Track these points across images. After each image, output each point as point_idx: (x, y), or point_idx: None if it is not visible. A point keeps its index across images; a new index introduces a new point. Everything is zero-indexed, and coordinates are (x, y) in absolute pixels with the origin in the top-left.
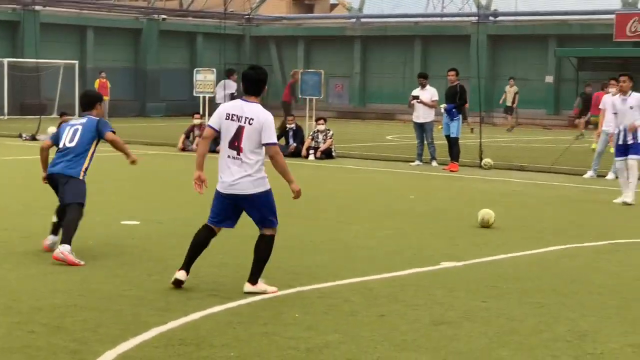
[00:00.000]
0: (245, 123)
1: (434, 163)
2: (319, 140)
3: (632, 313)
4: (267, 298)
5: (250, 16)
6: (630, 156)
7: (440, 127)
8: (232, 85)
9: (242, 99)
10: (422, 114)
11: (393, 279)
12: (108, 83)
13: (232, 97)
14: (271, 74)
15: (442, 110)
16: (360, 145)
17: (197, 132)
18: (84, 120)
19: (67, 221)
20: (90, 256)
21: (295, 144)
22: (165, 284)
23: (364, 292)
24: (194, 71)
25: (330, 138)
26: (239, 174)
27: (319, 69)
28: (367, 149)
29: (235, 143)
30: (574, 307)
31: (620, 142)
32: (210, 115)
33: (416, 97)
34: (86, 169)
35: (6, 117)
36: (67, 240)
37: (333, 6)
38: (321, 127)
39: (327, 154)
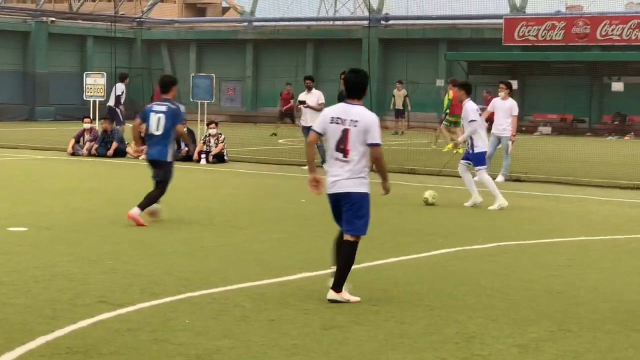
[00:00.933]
0: (350, 126)
1: (325, 166)
2: (210, 145)
3: (519, 314)
4: (156, 304)
5: (142, 19)
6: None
7: None
8: (119, 88)
9: (346, 102)
10: (309, 118)
11: (284, 283)
12: None
13: (117, 99)
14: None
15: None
16: (253, 149)
17: (87, 136)
18: (164, 108)
19: (152, 193)
20: None
21: (187, 148)
22: (52, 292)
23: (254, 296)
24: (84, 75)
25: (222, 142)
26: (343, 175)
27: (211, 72)
28: (259, 152)
29: (342, 146)
30: (463, 309)
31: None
32: (100, 119)
33: (303, 102)
34: (172, 151)
35: None
36: (142, 207)
37: (225, 10)
38: (212, 131)
39: (219, 158)
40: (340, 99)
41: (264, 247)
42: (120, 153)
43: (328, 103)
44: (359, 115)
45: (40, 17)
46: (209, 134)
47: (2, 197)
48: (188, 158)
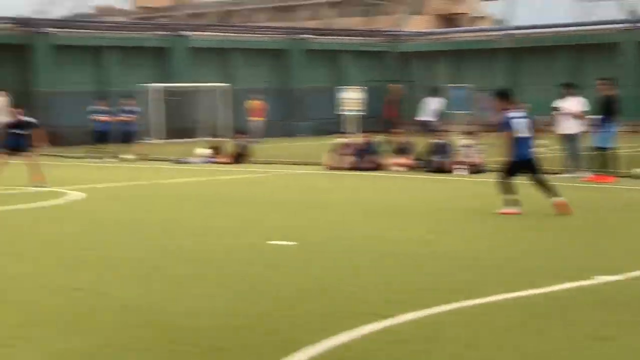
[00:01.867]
0: None
1: (580, 174)
2: (468, 155)
3: None
4: (425, 315)
5: (395, 32)
6: None
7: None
8: (435, 102)
9: None
10: (567, 125)
11: (552, 293)
12: (263, 104)
13: (433, 113)
14: (415, 89)
15: (590, 122)
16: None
17: (344, 150)
18: (521, 113)
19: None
20: (246, 277)
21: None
22: (320, 305)
23: (522, 307)
24: (338, 89)
25: (479, 152)
26: None
27: (466, 83)
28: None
29: None
30: None
31: None
32: (358, 133)
33: (557, 109)
34: None
35: (160, 141)
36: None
37: (474, 19)
38: (468, 142)
39: (477, 169)
40: (598, 107)
41: (525, 257)
42: (379, 166)
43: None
44: None
45: (296, 35)
46: (465, 145)
47: (266, 211)
48: (440, 169)
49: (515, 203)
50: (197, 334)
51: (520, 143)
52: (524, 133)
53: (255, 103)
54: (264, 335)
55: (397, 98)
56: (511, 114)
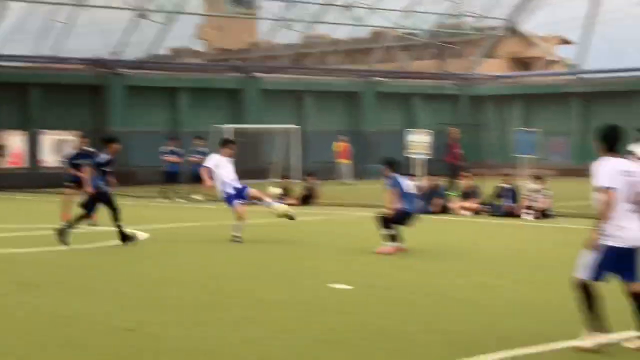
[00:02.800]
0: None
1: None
2: (536, 199)
3: None
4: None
5: (467, 75)
6: None
7: None
8: None
9: (615, 156)
10: None
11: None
12: (349, 146)
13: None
14: (487, 132)
15: None
16: (580, 203)
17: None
18: None
19: None
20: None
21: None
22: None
23: (572, 357)
24: (406, 132)
25: (548, 197)
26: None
27: (538, 127)
28: (586, 207)
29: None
30: None
31: None
32: (422, 175)
33: (632, 153)
34: None
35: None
36: None
37: (550, 63)
38: (537, 186)
39: (545, 214)
40: None
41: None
42: (444, 209)
43: None
44: None
45: (369, 77)
46: (534, 189)
47: (325, 252)
48: (511, 214)
49: None
50: None
51: None
52: None
53: (342, 145)
54: None
55: (456, 141)
56: None
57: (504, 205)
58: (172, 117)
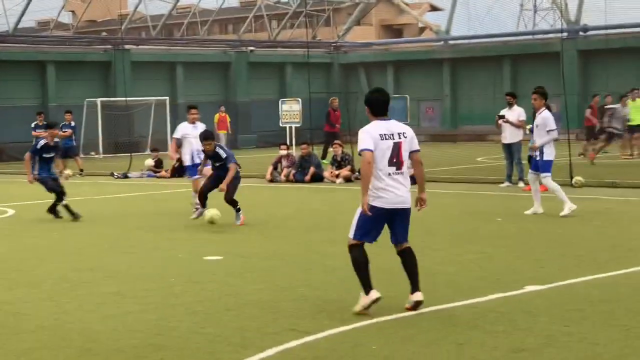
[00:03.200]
0: (401, 138)
1: (522, 184)
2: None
3: None
4: (346, 330)
5: (338, 43)
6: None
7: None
8: None
9: (380, 119)
10: (509, 135)
11: (474, 306)
12: (228, 117)
13: None
14: (360, 100)
15: (527, 131)
16: (449, 168)
17: (284, 162)
18: None
19: None
20: (171, 294)
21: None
22: (243, 320)
23: (444, 320)
24: (280, 102)
25: None
26: (405, 188)
27: (409, 93)
28: (456, 172)
29: (395, 159)
30: None
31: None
32: (296, 145)
33: (502, 117)
34: None
35: (101, 155)
36: None
37: (422, 30)
38: None
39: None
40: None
41: (456, 268)
42: (318, 178)
43: (528, 119)
44: (403, 127)
45: (240, 48)
46: None
47: (200, 226)
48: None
49: None
50: (117, 355)
51: None
52: None
53: (222, 116)
54: (186, 353)
55: (335, 109)
56: None
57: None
58: (41, 91)
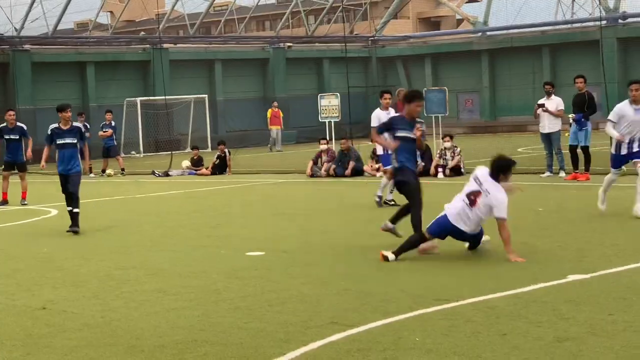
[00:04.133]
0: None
1: (562, 173)
2: (446, 158)
3: None
4: (389, 323)
5: (375, 37)
6: None
7: (567, 134)
8: None
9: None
10: (547, 124)
11: (517, 296)
12: (280, 112)
13: None
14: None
15: (571, 120)
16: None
17: (324, 157)
18: None
19: None
20: (214, 290)
21: (423, 163)
22: (285, 315)
23: (486, 310)
24: (318, 97)
25: (459, 155)
26: None
27: (447, 85)
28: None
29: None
30: None
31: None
32: (336, 139)
33: (542, 106)
34: None
35: (142, 154)
36: None
37: (459, 22)
38: (447, 145)
39: (456, 171)
40: (577, 105)
41: (497, 259)
42: (358, 172)
43: (567, 109)
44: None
45: (278, 44)
46: (445, 147)
47: (242, 222)
48: (426, 172)
49: None
50: (161, 351)
51: None
52: None
53: (275, 111)
54: (229, 349)
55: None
56: None
57: (417, 165)
58: (81, 92)
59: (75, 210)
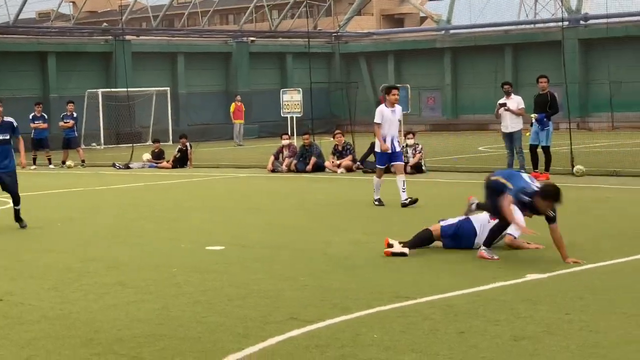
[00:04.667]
0: None
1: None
2: (408, 155)
3: None
4: (348, 319)
5: (339, 33)
6: None
7: (528, 134)
8: None
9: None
10: (509, 124)
11: (476, 294)
12: (243, 106)
13: None
14: (362, 90)
15: (533, 120)
16: (450, 157)
17: (286, 152)
18: None
19: None
20: (174, 284)
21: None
22: (245, 309)
23: (445, 308)
24: (280, 92)
25: (420, 152)
26: None
27: (410, 82)
28: (459, 161)
29: None
30: None
31: None
32: (297, 135)
33: (503, 105)
34: None
35: (102, 146)
36: None
37: (423, 19)
38: (410, 142)
39: (417, 169)
40: (539, 105)
41: (458, 257)
42: (319, 168)
43: (528, 108)
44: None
45: (241, 38)
46: (407, 144)
47: (203, 216)
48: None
49: None
50: (119, 344)
51: None
52: None
53: (238, 105)
54: (188, 343)
55: None
56: None
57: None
58: (42, 82)
59: (17, 207)
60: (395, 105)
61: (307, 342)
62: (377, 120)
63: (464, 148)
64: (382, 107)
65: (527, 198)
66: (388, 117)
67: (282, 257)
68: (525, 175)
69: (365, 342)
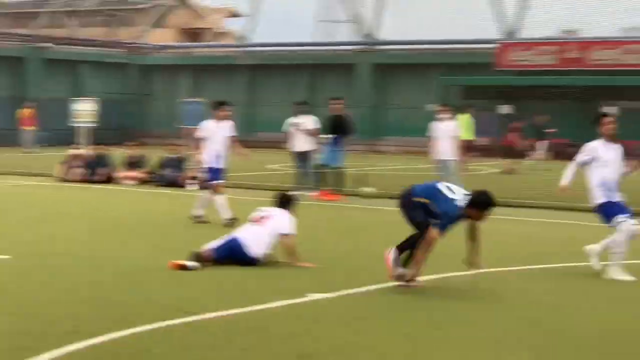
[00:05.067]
0: None
1: (312, 192)
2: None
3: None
4: (132, 333)
5: (136, 44)
6: None
7: (319, 154)
8: None
9: None
10: (303, 143)
11: (261, 311)
12: (35, 113)
13: None
14: (155, 102)
15: (326, 141)
16: (239, 174)
17: (76, 162)
18: None
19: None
20: None
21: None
22: (22, 323)
23: (229, 324)
24: (72, 101)
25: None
26: None
27: (206, 97)
28: (244, 178)
29: None
30: (447, 338)
31: None
32: (90, 144)
33: (296, 124)
34: None
35: None
36: None
37: (220, 35)
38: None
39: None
40: (333, 126)
41: (245, 273)
42: (109, 179)
43: (321, 129)
44: None
45: (35, 43)
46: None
47: None
48: (176, 183)
49: None
50: None
51: None
52: None
53: (27, 111)
54: None
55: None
56: None
57: (168, 175)
58: None
59: None
60: (225, 121)
61: (88, 356)
62: (200, 134)
63: (254, 166)
64: (207, 121)
65: (455, 219)
66: (213, 132)
67: (66, 268)
68: (444, 190)
69: (147, 358)
